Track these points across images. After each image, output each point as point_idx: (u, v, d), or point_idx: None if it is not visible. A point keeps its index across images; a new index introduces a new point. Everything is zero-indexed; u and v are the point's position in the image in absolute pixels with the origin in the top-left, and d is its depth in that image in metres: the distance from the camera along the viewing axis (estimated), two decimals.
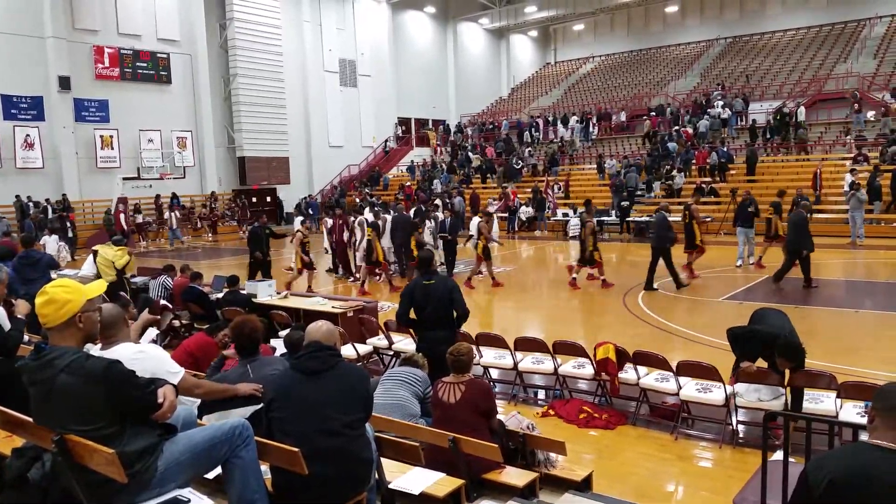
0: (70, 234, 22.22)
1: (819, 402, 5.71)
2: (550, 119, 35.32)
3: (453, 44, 42.72)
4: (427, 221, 15.60)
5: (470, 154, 33.69)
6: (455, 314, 6.47)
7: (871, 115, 25.97)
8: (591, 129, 32.94)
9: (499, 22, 43.79)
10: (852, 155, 23.05)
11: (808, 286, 12.37)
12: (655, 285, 12.88)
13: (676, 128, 28.78)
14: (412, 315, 6.59)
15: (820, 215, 19.41)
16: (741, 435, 6.11)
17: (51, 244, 17.76)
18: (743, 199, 15.51)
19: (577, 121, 33.51)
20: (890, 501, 2.25)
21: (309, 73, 34.21)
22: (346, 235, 15.81)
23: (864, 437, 2.54)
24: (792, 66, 33.90)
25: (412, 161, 35.89)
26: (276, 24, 31.84)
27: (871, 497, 2.28)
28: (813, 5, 38.13)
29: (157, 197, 27.30)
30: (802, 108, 27.15)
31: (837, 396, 5.59)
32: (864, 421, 2.55)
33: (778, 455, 3.95)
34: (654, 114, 31.63)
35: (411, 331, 7.25)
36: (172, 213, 25.16)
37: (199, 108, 30.04)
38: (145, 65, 28.11)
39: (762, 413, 5.45)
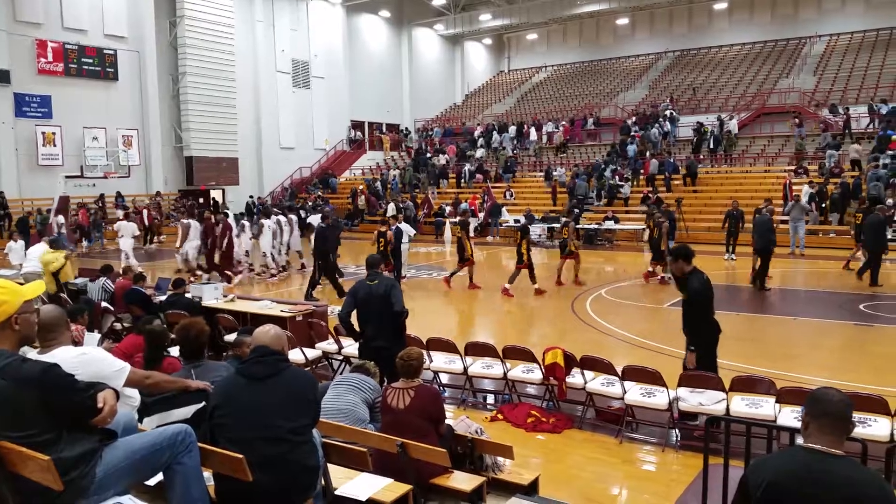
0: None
1: (758, 406, 5.87)
2: (493, 128, 35.68)
3: (408, 49, 42.66)
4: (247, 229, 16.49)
5: (428, 157, 33.57)
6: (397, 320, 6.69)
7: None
8: (530, 137, 33.43)
9: (454, 28, 43.87)
10: (793, 167, 23.83)
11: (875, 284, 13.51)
12: (603, 291, 13.06)
13: (632, 134, 29.39)
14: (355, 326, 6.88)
15: (784, 226, 19.72)
16: (683, 439, 6.25)
17: (17, 251, 16.32)
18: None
19: (516, 130, 34.05)
20: (826, 503, 2.34)
21: (261, 74, 33.73)
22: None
23: (799, 440, 2.62)
24: (737, 80, 34.88)
25: (367, 166, 35.59)
26: (228, 23, 31.30)
27: (808, 499, 2.36)
28: (758, 22, 39.32)
29: (101, 196, 26.53)
30: (734, 121, 28.00)
31: (776, 401, 5.76)
32: (800, 425, 2.64)
33: (718, 459, 4.04)
34: (564, 123, 32.39)
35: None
36: (56, 218, 22.61)
37: (146, 106, 29.33)
38: (91, 60, 27.32)
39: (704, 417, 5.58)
